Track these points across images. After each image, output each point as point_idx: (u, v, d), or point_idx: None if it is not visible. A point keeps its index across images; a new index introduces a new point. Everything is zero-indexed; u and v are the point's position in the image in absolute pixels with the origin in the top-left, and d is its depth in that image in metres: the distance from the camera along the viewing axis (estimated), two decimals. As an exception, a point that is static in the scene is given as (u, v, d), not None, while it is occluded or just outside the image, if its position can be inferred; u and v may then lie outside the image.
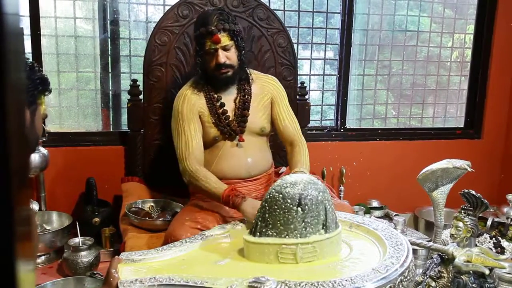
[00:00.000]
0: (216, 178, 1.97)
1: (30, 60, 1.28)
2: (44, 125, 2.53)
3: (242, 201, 1.84)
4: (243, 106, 2.11)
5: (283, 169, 2.63)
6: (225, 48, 2.00)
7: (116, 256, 1.51)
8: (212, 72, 2.04)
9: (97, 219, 2.48)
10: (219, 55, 1.99)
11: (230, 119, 2.09)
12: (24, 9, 2.57)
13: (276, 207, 1.52)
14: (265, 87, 2.18)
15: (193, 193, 2.24)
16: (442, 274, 1.73)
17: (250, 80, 2.15)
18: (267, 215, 1.54)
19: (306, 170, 2.04)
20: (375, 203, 3.19)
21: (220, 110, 2.08)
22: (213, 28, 1.96)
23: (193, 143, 2.02)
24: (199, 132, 2.06)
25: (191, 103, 2.07)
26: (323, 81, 3.29)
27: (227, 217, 2.00)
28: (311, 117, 3.03)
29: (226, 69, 2.02)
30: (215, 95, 2.09)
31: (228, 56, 2.01)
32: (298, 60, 2.95)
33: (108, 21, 2.79)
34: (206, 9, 2.14)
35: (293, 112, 2.24)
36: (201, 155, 2.05)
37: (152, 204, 2.47)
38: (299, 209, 1.51)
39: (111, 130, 2.89)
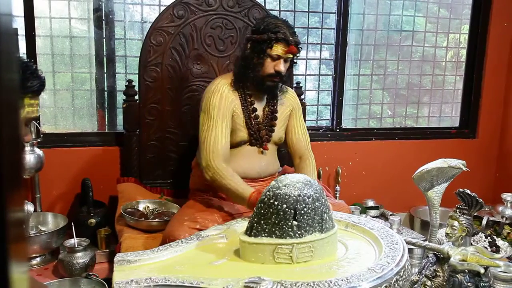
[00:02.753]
0: (242, 179, 1.96)
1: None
2: (39, 125, 2.52)
3: None
4: (271, 116, 2.15)
5: (279, 169, 2.63)
6: (286, 60, 2.02)
7: None
8: (262, 77, 2.04)
9: (92, 220, 2.47)
10: (281, 64, 2.00)
11: (260, 125, 2.12)
12: (18, 10, 2.56)
13: (271, 210, 1.52)
14: (288, 100, 2.22)
15: (193, 192, 2.24)
16: (438, 273, 1.74)
17: (280, 93, 2.17)
18: (262, 218, 1.54)
19: None
20: (371, 203, 3.20)
21: (253, 114, 2.11)
22: (291, 38, 1.97)
23: (223, 142, 1.99)
24: (229, 132, 2.05)
25: (228, 101, 2.05)
26: (319, 81, 3.29)
27: (226, 216, 2.01)
28: (307, 117, 3.04)
29: (278, 78, 2.05)
30: (250, 99, 2.11)
31: (285, 67, 2.04)
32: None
33: (103, 22, 2.78)
34: (272, 15, 2.16)
35: (305, 126, 2.30)
36: (228, 154, 2.03)
37: (148, 204, 2.47)
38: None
39: (107, 130, 2.88)
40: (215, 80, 2.13)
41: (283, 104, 2.20)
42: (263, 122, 2.13)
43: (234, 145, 2.10)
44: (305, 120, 2.89)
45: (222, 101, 2.03)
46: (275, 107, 2.16)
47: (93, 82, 2.84)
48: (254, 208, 1.83)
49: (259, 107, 2.14)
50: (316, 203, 1.54)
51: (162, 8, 2.69)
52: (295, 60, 2.11)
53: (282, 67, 2.00)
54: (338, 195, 3.08)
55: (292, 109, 2.23)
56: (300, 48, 2.04)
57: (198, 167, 2.25)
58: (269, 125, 2.14)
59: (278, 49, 1.98)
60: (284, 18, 2.11)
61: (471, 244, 1.79)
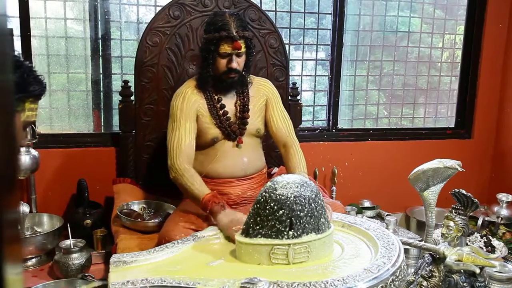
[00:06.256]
0: (201, 181, 1.96)
1: (23, 61, 1.21)
2: (35, 126, 2.51)
3: (220, 210, 1.82)
4: (243, 109, 2.14)
5: (275, 169, 2.63)
6: (238, 54, 2.03)
7: None
8: (219, 75, 2.07)
9: (88, 221, 2.46)
10: (233, 61, 2.02)
11: (231, 120, 2.12)
12: (13, 10, 2.55)
13: (267, 212, 1.52)
14: (261, 90, 2.22)
15: None
16: (434, 273, 1.74)
17: (249, 84, 2.19)
18: (258, 219, 1.53)
19: (305, 174, 2.07)
20: (367, 203, 3.20)
21: (221, 111, 2.11)
22: (234, 34, 1.98)
23: (186, 141, 2.03)
24: (194, 132, 2.07)
25: (191, 102, 2.08)
26: (315, 81, 3.29)
27: None
28: (303, 118, 3.04)
29: (235, 74, 2.06)
30: (216, 96, 2.12)
31: (239, 62, 2.05)
32: (290, 61, 2.96)
33: (99, 22, 2.77)
34: (221, 10, 2.13)
35: (287, 114, 2.28)
36: (192, 154, 2.05)
37: (144, 205, 2.46)
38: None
39: (103, 131, 2.87)
40: (182, 85, 2.17)
41: (255, 96, 2.19)
42: (237, 116, 2.14)
43: (209, 143, 2.11)
44: (300, 120, 2.90)
45: (185, 102, 2.07)
46: (246, 99, 2.16)
47: (88, 83, 2.83)
48: (208, 210, 1.85)
49: (230, 102, 2.14)
50: (313, 204, 1.54)
51: (158, 8, 2.69)
52: (253, 52, 2.13)
53: (234, 63, 2.02)
54: (334, 196, 3.08)
55: (267, 99, 2.22)
56: (249, 41, 2.05)
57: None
58: (241, 118, 2.14)
59: (225, 47, 2.00)
60: (234, 12, 2.11)
61: (467, 244, 1.79)
